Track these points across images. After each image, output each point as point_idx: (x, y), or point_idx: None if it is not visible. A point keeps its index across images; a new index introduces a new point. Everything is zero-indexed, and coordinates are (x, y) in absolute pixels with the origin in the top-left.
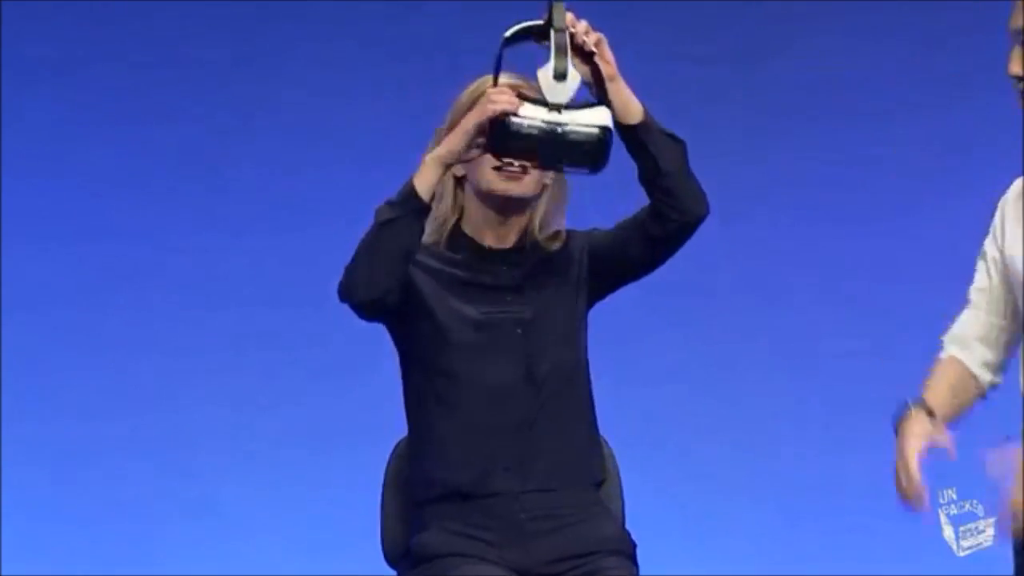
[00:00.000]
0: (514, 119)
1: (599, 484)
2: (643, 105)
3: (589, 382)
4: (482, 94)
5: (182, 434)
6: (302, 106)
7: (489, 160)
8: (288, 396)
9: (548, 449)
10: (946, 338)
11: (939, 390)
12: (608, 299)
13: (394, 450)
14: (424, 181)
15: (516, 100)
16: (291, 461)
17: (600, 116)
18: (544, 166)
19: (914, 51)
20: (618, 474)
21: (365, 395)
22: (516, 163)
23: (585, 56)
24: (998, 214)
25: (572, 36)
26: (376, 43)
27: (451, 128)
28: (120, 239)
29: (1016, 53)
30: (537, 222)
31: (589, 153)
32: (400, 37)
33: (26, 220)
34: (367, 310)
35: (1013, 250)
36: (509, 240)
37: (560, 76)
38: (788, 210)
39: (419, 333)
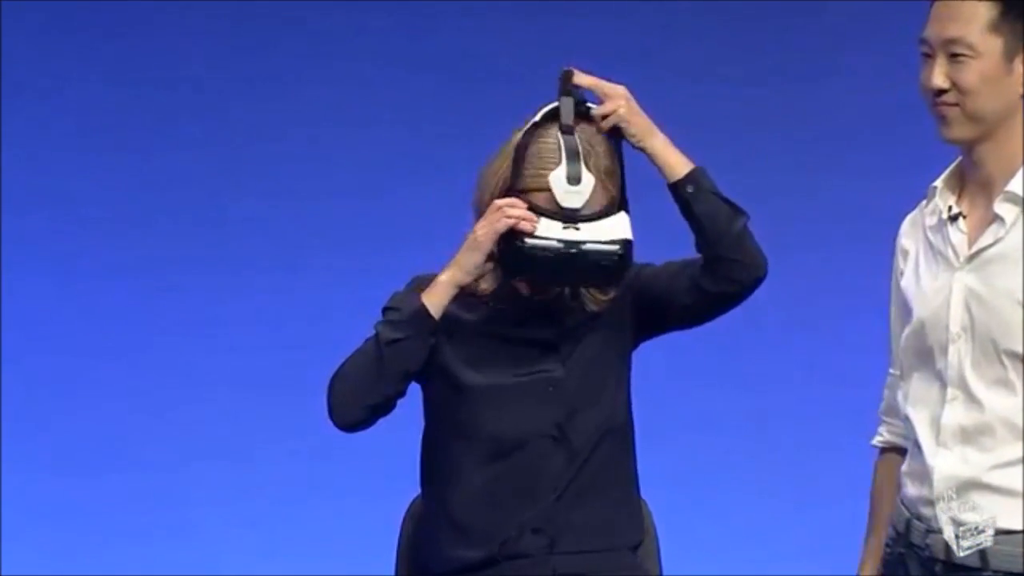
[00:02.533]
0: (528, 241)
1: (636, 547)
2: (692, 163)
3: (631, 437)
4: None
5: (184, 434)
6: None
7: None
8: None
9: (581, 513)
10: (881, 414)
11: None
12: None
13: (408, 510)
14: (437, 302)
15: (529, 215)
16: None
17: (619, 226)
18: (558, 284)
19: None
20: (655, 534)
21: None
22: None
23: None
24: (897, 255)
25: (588, 110)
26: (384, 57)
27: (481, 203)
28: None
29: (931, 64)
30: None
31: (606, 271)
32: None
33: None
34: (349, 430)
35: (908, 284)
36: (547, 293)
37: (574, 180)
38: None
39: (443, 392)
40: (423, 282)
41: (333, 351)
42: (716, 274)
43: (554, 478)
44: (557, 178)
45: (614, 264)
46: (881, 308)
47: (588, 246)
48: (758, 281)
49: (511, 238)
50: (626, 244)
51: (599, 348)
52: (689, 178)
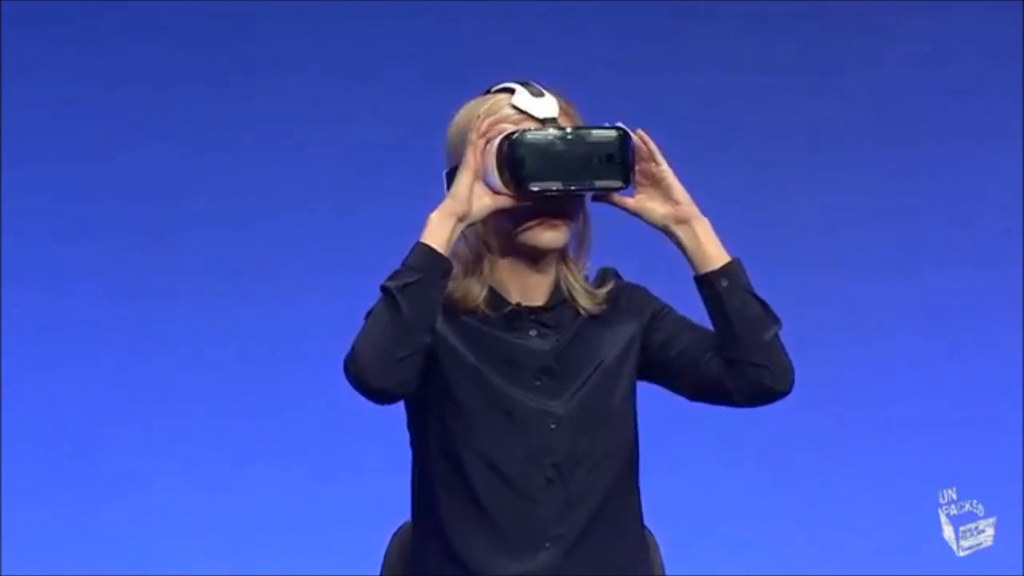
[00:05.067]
0: (526, 134)
1: None
2: (728, 253)
3: (636, 466)
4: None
5: (183, 434)
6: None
7: (509, 211)
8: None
9: (586, 558)
10: None
11: None
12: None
13: (394, 537)
14: (437, 238)
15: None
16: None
17: (605, 126)
18: (576, 188)
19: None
20: (662, 564)
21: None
22: (550, 196)
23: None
24: None
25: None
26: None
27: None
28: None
29: None
30: (570, 272)
31: (614, 158)
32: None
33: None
34: (381, 398)
35: None
36: (540, 295)
37: (537, 93)
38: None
39: (436, 415)
40: None
41: (321, 367)
42: (736, 376)
43: (554, 522)
44: (520, 98)
45: (619, 149)
46: (900, 312)
47: (583, 131)
48: (780, 395)
49: (507, 141)
50: (620, 129)
51: (607, 372)
52: (725, 270)
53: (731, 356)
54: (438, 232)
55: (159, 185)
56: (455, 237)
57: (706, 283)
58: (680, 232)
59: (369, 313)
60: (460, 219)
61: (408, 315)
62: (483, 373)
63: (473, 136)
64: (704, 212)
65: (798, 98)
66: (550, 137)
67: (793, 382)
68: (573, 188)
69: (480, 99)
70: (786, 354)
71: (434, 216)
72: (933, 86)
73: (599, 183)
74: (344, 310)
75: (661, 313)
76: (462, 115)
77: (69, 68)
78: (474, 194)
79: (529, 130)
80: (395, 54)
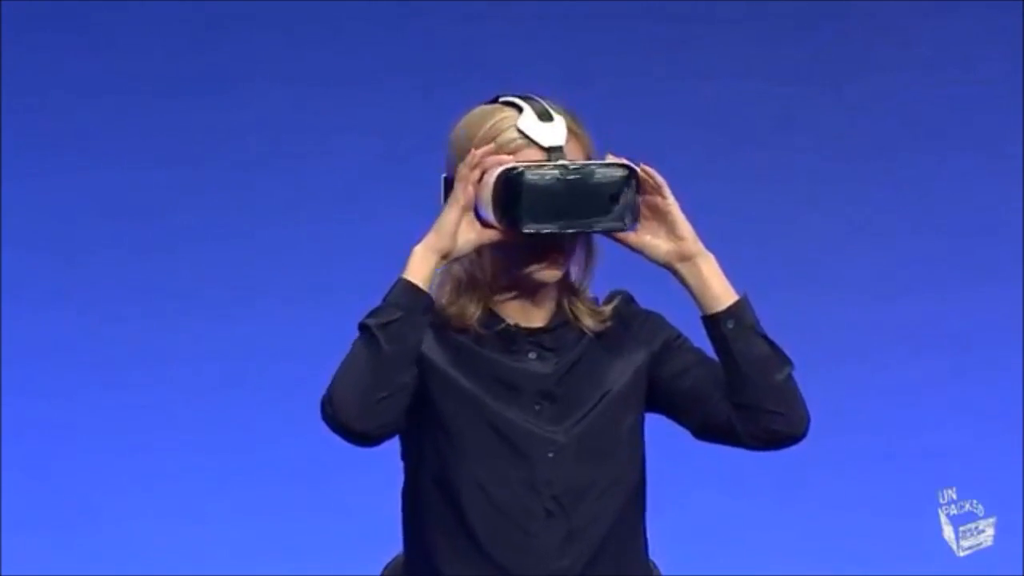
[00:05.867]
0: (526, 172)
1: None
2: (735, 290)
3: (643, 503)
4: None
5: (184, 436)
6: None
7: (506, 242)
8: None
9: None
10: None
11: None
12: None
13: (384, 570)
14: (419, 273)
15: (507, 157)
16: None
17: (610, 163)
18: (574, 232)
19: None
20: None
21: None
22: (545, 236)
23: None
24: None
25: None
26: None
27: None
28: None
29: None
30: (572, 293)
31: (617, 198)
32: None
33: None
34: (362, 441)
35: None
36: (540, 317)
37: (545, 116)
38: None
39: (428, 443)
40: None
41: (308, 383)
42: (746, 421)
43: (550, 559)
44: (526, 121)
45: (620, 188)
46: (901, 310)
47: (588, 169)
48: (793, 441)
49: (504, 178)
50: (628, 168)
51: (612, 399)
52: (731, 311)
53: (740, 400)
54: (421, 267)
55: (143, 199)
56: (438, 264)
57: (712, 324)
58: (684, 270)
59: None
60: (443, 256)
61: (388, 353)
62: (477, 398)
63: (464, 169)
64: (706, 223)
65: (805, 106)
66: (548, 178)
67: (808, 427)
68: (570, 232)
69: (485, 110)
70: (800, 398)
71: (417, 250)
72: (946, 94)
73: (600, 226)
74: (330, 332)
75: (674, 343)
76: (466, 123)
77: (58, 75)
78: (460, 229)
79: (529, 168)
80: (390, 60)
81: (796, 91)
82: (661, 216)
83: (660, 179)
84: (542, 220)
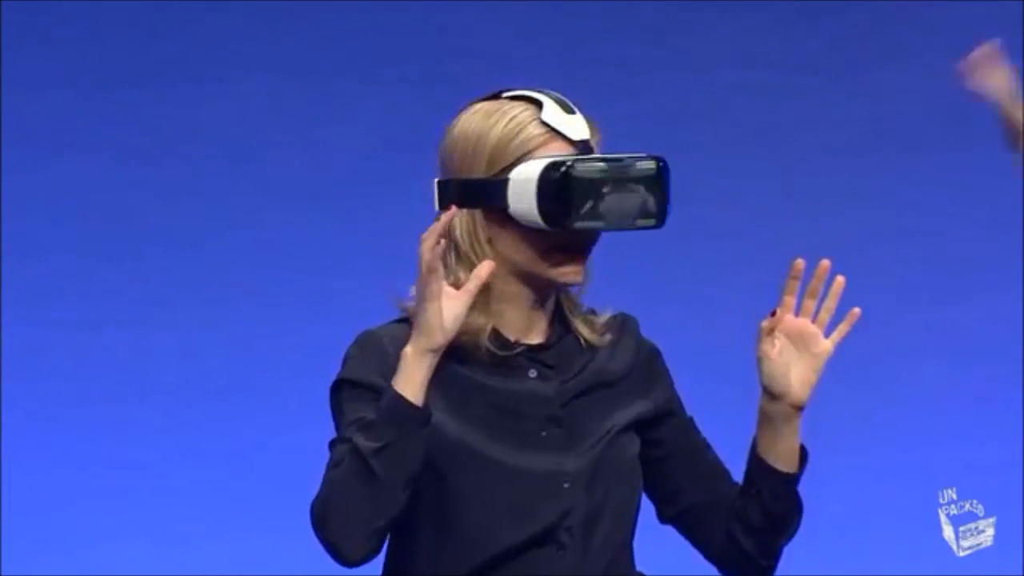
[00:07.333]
0: (578, 167)
1: None
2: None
3: (636, 521)
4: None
5: (184, 436)
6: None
7: (530, 241)
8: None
9: None
10: None
11: None
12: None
13: None
14: (412, 382)
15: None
16: None
17: (643, 156)
18: (617, 229)
19: None
20: None
21: None
22: (582, 234)
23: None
24: None
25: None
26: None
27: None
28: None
29: None
30: (567, 302)
31: (653, 191)
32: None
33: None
34: (358, 566)
35: None
36: (538, 333)
37: (567, 108)
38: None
39: (426, 495)
40: (373, 343)
41: (300, 386)
42: (731, 560)
43: None
44: (551, 114)
45: (653, 181)
46: (900, 311)
47: (627, 162)
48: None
49: (552, 172)
50: (660, 160)
51: (616, 438)
52: (795, 476)
53: (741, 545)
54: (415, 375)
55: (121, 196)
56: (435, 362)
57: (765, 472)
58: (782, 414)
59: (337, 463)
60: (435, 351)
61: (384, 480)
62: (473, 442)
63: (426, 254)
64: (717, 216)
65: (814, 97)
66: (595, 172)
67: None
68: (614, 229)
69: (493, 107)
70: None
71: (409, 355)
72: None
73: (641, 223)
74: (326, 332)
75: (671, 419)
76: (474, 123)
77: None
78: (443, 308)
79: (579, 160)
80: (387, 53)
81: (806, 83)
82: (810, 354)
83: (846, 329)
84: (590, 217)
